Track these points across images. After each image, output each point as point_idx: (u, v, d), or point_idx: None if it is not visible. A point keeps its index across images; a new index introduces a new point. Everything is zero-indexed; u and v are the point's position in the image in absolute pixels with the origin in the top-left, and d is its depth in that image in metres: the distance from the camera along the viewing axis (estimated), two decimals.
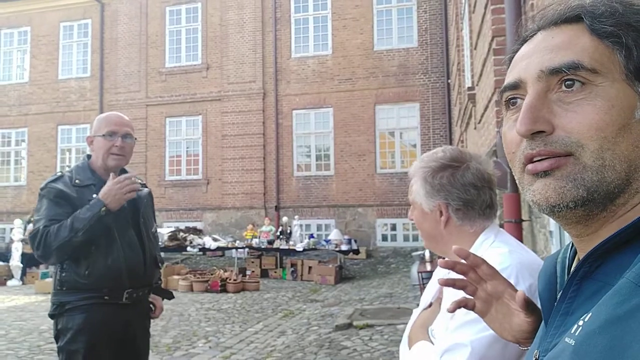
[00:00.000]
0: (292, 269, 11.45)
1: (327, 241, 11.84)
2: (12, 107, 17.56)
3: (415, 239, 13.57)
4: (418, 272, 7.61)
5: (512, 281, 0.92)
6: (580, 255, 0.65)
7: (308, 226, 14.66)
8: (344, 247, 11.40)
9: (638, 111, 0.57)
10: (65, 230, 2.14)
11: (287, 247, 11.53)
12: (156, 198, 2.79)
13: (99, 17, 17.01)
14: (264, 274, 11.57)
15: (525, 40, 0.68)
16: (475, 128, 6.55)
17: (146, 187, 2.61)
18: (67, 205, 2.23)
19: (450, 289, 0.92)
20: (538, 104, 0.61)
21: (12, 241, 11.95)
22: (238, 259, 11.74)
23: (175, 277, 10.26)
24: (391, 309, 7.26)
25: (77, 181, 2.30)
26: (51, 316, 2.27)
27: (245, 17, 15.85)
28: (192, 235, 12.07)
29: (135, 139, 2.49)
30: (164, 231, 11.96)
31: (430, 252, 8.20)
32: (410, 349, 1.23)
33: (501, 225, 3.08)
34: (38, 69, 17.46)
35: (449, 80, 13.57)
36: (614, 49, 0.59)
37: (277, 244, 11.76)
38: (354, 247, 11.79)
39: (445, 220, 1.25)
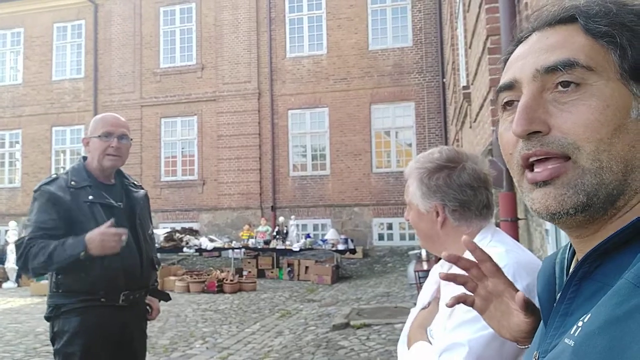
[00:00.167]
0: (289, 269, 11.46)
1: (324, 241, 11.85)
2: (6, 108, 17.47)
3: (412, 237, 13.58)
4: (415, 271, 7.63)
5: None
6: (579, 255, 0.65)
7: (304, 226, 14.66)
8: (340, 247, 11.41)
9: (633, 111, 0.58)
10: (43, 257, 2.13)
11: (283, 247, 11.53)
12: (152, 199, 2.77)
13: (92, 18, 16.93)
14: (261, 274, 11.57)
15: (520, 42, 0.68)
16: (470, 127, 6.57)
17: (142, 188, 2.60)
18: (58, 210, 2.22)
19: (449, 286, 0.92)
20: (534, 104, 0.61)
21: (7, 243, 11.90)
22: (235, 259, 11.73)
23: (172, 278, 10.25)
24: (388, 308, 7.26)
25: (72, 183, 2.29)
26: (47, 319, 2.26)
27: (239, 17, 15.82)
28: (188, 236, 12.04)
29: (131, 139, 2.48)
30: (159, 232, 11.93)
31: (426, 251, 8.21)
32: (409, 349, 1.24)
33: (497, 224, 3.10)
34: (32, 70, 17.36)
35: (444, 80, 13.59)
36: (609, 49, 0.59)
37: (273, 244, 11.76)
38: (351, 246, 11.81)
39: (441, 221, 1.25)
